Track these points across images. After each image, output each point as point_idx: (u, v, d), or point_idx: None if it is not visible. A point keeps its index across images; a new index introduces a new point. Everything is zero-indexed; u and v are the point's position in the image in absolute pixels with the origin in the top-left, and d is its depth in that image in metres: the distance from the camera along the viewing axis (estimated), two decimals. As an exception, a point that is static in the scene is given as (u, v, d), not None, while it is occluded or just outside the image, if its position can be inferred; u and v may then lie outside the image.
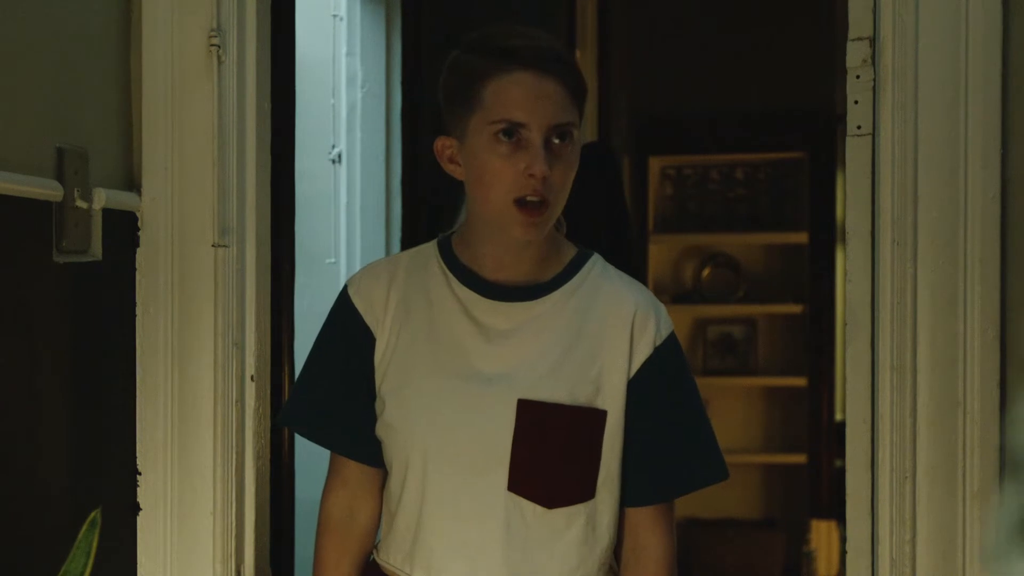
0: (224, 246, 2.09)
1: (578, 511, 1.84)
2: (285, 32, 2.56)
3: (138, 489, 2.07)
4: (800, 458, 5.73)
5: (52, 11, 1.88)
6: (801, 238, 5.78)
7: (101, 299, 2.02)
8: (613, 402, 1.85)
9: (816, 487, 5.69)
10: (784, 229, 5.86)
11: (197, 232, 2.07)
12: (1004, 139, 1.82)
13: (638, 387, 1.86)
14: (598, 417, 1.84)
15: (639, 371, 1.86)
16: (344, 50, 3.29)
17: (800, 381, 5.75)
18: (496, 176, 1.79)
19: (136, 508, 2.07)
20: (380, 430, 1.91)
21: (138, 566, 2.07)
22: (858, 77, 1.91)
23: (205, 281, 2.07)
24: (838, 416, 5.54)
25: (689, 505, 5.51)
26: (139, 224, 2.08)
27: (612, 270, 1.95)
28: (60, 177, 1.86)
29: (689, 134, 5.83)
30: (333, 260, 3.33)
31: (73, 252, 1.89)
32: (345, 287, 1.95)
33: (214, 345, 2.07)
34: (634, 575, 1.89)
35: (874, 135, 1.90)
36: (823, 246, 5.69)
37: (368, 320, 1.90)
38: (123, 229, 2.04)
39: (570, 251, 1.94)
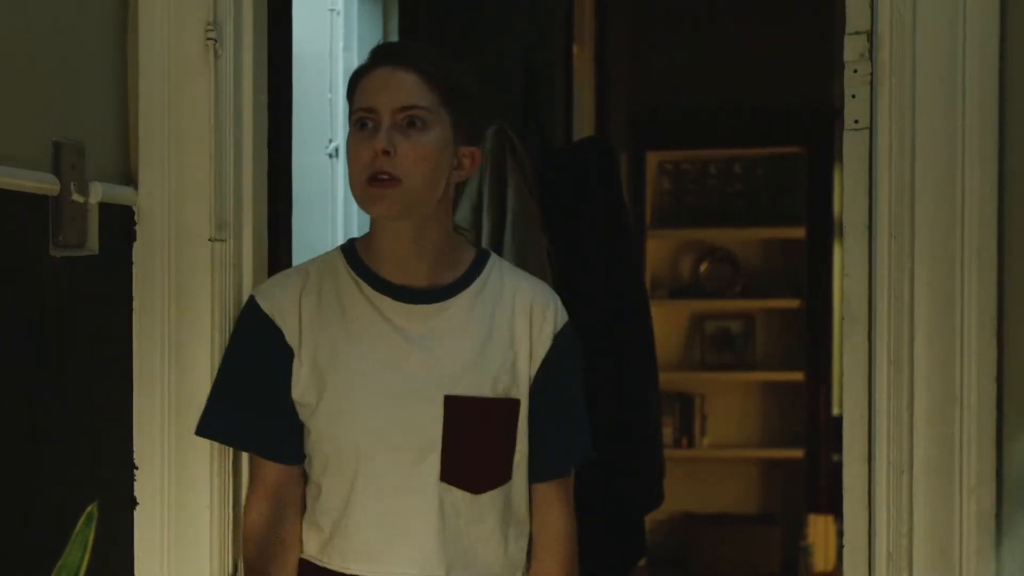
0: (221, 240, 2.08)
1: (499, 493, 1.96)
2: (282, 26, 2.56)
3: (135, 483, 2.07)
4: (797, 453, 5.73)
5: (49, 5, 1.88)
6: (799, 233, 5.78)
7: (97, 293, 2.01)
8: (523, 390, 1.97)
9: (813, 482, 5.69)
10: (782, 224, 5.86)
11: (194, 226, 2.07)
12: (1001, 133, 1.82)
13: (541, 375, 1.99)
14: (515, 406, 1.96)
15: (543, 361, 1.98)
16: (341, 45, 3.29)
17: (798, 376, 5.75)
18: (353, 160, 1.91)
19: (133, 502, 2.07)
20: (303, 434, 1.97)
21: (135, 560, 2.07)
22: (855, 71, 1.90)
23: (202, 275, 2.07)
24: (835, 410, 5.54)
25: (686, 500, 5.50)
26: (136, 218, 2.07)
27: (509, 267, 2.06)
28: (57, 171, 1.85)
29: (687, 129, 5.83)
30: (330, 255, 3.31)
31: (70, 246, 1.89)
32: (252, 297, 1.99)
33: (211, 339, 2.07)
34: (540, 548, 2.02)
35: (871, 129, 1.89)
36: (821, 241, 5.69)
37: (280, 324, 1.95)
38: (120, 223, 2.04)
39: (470, 252, 2.03)
